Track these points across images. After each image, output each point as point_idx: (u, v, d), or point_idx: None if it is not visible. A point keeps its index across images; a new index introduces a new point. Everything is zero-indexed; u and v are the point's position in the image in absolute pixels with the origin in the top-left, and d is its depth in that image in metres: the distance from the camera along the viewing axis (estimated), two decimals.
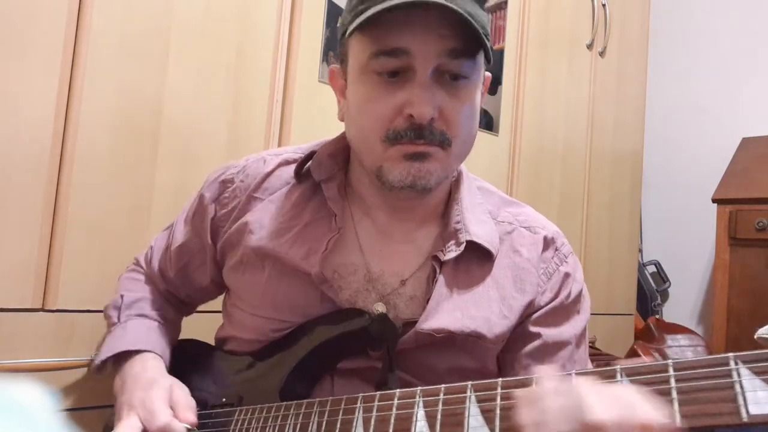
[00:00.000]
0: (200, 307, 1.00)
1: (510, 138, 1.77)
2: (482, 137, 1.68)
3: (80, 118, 0.98)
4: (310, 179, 0.81)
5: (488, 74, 0.80)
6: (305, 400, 0.69)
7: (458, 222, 0.77)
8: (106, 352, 0.83)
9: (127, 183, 1.04)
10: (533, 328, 0.78)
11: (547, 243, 0.82)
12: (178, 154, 1.10)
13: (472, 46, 0.69)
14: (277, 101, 1.24)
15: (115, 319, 0.88)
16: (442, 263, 0.75)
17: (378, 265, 0.78)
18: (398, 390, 0.61)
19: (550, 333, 0.78)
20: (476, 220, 0.79)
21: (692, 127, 2.57)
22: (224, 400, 0.80)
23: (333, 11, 1.30)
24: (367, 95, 0.71)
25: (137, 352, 0.82)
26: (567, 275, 0.81)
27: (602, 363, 1.62)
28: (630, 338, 2.21)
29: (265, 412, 0.73)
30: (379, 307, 0.74)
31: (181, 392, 0.77)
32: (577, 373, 0.51)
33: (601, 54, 2.07)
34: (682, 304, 2.55)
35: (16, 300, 0.93)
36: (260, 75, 1.21)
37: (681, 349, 2.11)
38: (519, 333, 0.78)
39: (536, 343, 0.77)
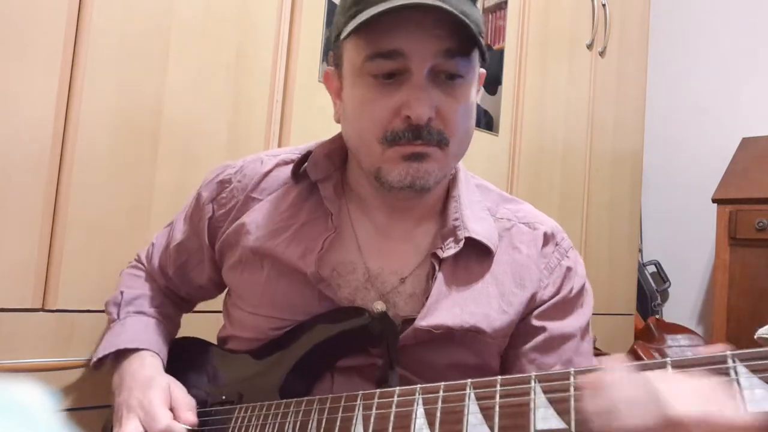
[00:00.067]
0: (200, 307, 1.01)
1: (510, 138, 1.77)
2: (482, 137, 1.68)
3: (80, 118, 0.98)
4: (307, 179, 0.81)
5: (483, 70, 0.80)
6: (305, 398, 0.69)
7: (457, 219, 0.78)
8: (104, 349, 0.84)
9: (127, 183, 1.04)
10: (537, 322, 0.78)
11: (547, 238, 0.82)
12: (178, 154, 1.10)
13: (466, 45, 0.69)
14: (277, 101, 1.24)
15: (115, 316, 0.89)
16: (441, 260, 0.75)
17: (377, 263, 0.78)
18: (398, 387, 0.61)
19: (554, 326, 0.78)
20: (475, 217, 0.79)
21: (692, 127, 2.57)
22: (224, 398, 0.80)
23: (333, 11, 1.30)
24: (363, 97, 0.71)
25: (135, 350, 0.83)
26: (569, 269, 0.81)
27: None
28: (630, 338, 2.21)
29: (264, 409, 0.73)
30: (379, 306, 0.74)
31: (180, 391, 0.77)
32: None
33: (601, 54, 2.07)
34: (682, 304, 2.55)
35: (16, 300, 0.93)
36: (260, 75, 1.21)
37: (681, 349, 2.11)
38: (523, 328, 0.78)
39: (542, 337, 0.78)
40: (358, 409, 0.62)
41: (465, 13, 0.67)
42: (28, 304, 0.94)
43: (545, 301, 0.79)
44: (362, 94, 0.71)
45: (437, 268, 0.75)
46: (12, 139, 0.92)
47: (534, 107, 1.83)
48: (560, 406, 0.50)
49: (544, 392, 0.51)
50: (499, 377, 0.54)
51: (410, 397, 0.59)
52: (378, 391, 0.62)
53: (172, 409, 0.75)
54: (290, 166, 0.83)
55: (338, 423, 0.63)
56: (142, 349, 0.83)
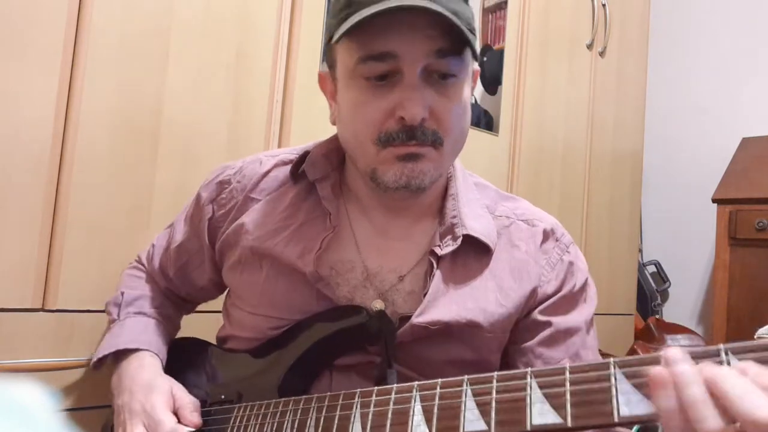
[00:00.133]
0: (200, 307, 1.01)
1: (510, 138, 1.77)
2: (482, 137, 1.68)
3: (80, 118, 0.98)
4: (305, 179, 0.81)
5: (477, 68, 0.80)
6: (303, 397, 0.70)
7: (455, 217, 0.78)
8: (104, 349, 0.84)
9: (127, 183, 1.04)
10: (542, 317, 0.78)
11: (547, 234, 0.82)
12: (178, 154, 1.10)
13: (458, 45, 0.69)
14: (277, 101, 1.24)
15: (115, 316, 0.89)
16: (439, 258, 0.76)
17: (375, 261, 0.78)
18: (395, 385, 0.61)
19: (560, 320, 0.78)
20: (473, 215, 0.79)
21: (692, 127, 2.57)
22: (223, 397, 0.80)
23: None
24: (356, 100, 0.71)
25: (134, 350, 0.83)
26: (571, 264, 0.81)
27: None
28: (630, 338, 2.21)
29: (263, 408, 0.73)
30: (378, 304, 0.75)
31: (183, 393, 0.78)
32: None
33: (601, 54, 2.08)
34: (682, 304, 2.55)
35: (16, 300, 0.93)
36: (260, 75, 1.21)
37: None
38: (528, 324, 0.79)
39: (548, 331, 0.78)
40: (356, 407, 0.63)
41: (455, 12, 0.67)
42: (28, 304, 0.94)
43: (549, 296, 0.79)
44: (355, 96, 0.71)
45: (435, 265, 0.75)
46: (12, 139, 0.92)
47: (534, 107, 1.83)
48: (556, 401, 0.50)
49: (540, 387, 0.51)
50: (496, 373, 0.55)
51: (407, 394, 0.59)
52: (375, 388, 0.63)
53: (175, 411, 0.75)
54: (289, 167, 0.83)
55: (336, 421, 0.64)
56: (142, 350, 0.83)
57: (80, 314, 0.99)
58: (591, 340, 0.81)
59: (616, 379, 0.48)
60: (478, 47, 0.73)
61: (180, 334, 0.96)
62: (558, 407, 0.50)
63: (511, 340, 0.80)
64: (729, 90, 2.51)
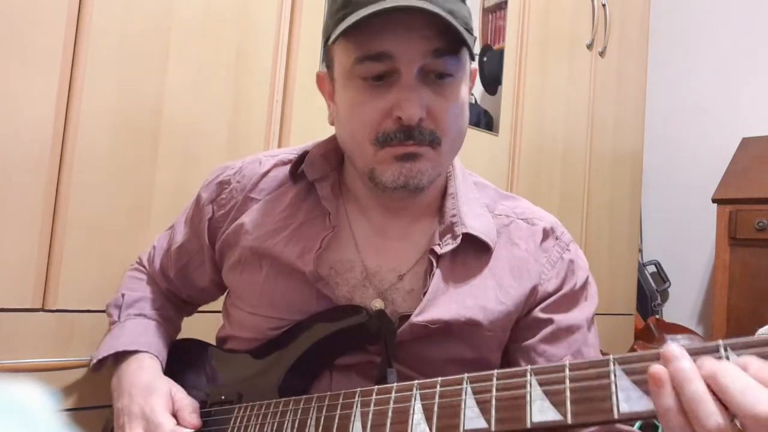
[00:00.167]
0: (201, 307, 1.01)
1: (510, 138, 1.77)
2: (482, 137, 1.68)
3: (80, 118, 0.98)
4: (304, 179, 0.81)
5: (474, 67, 0.80)
6: (303, 396, 0.70)
7: (454, 216, 0.78)
8: (104, 351, 0.84)
9: (127, 183, 1.04)
10: (544, 315, 0.78)
11: (546, 233, 0.82)
12: (178, 154, 1.10)
13: (454, 44, 0.69)
14: (277, 101, 1.24)
15: (115, 318, 0.89)
16: (438, 257, 0.76)
17: (375, 261, 0.78)
18: (395, 384, 0.61)
19: (561, 318, 0.78)
20: (473, 214, 0.79)
21: (692, 127, 2.57)
22: (223, 398, 0.80)
23: None
24: (354, 100, 0.71)
25: (134, 352, 0.83)
26: (571, 262, 0.81)
27: None
28: (630, 338, 2.21)
29: (264, 408, 0.73)
30: (377, 304, 0.75)
31: (182, 394, 0.78)
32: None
33: (601, 54, 2.07)
34: (682, 304, 2.55)
35: (16, 300, 0.93)
36: (260, 75, 1.21)
37: None
38: (529, 322, 0.79)
39: (549, 328, 0.78)
40: (356, 406, 0.63)
41: (452, 12, 0.67)
42: (28, 304, 0.94)
43: (550, 294, 0.79)
44: (353, 96, 0.71)
45: (435, 264, 0.76)
46: (12, 139, 0.92)
47: (534, 107, 1.83)
48: (556, 398, 0.50)
49: (540, 385, 0.51)
50: (496, 371, 0.55)
51: (407, 393, 0.59)
52: (376, 387, 0.63)
53: (175, 413, 0.75)
54: (288, 167, 0.83)
55: (336, 420, 0.64)
56: (141, 352, 0.83)
57: (80, 314, 0.99)
58: (592, 338, 0.81)
59: (615, 375, 0.48)
60: (478, 46, 0.74)
61: (180, 335, 0.96)
62: (558, 404, 0.50)
63: (512, 339, 0.80)
64: (729, 90, 2.51)
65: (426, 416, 0.56)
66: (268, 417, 0.72)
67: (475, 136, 1.64)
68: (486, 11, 1.69)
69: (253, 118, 1.20)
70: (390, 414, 0.59)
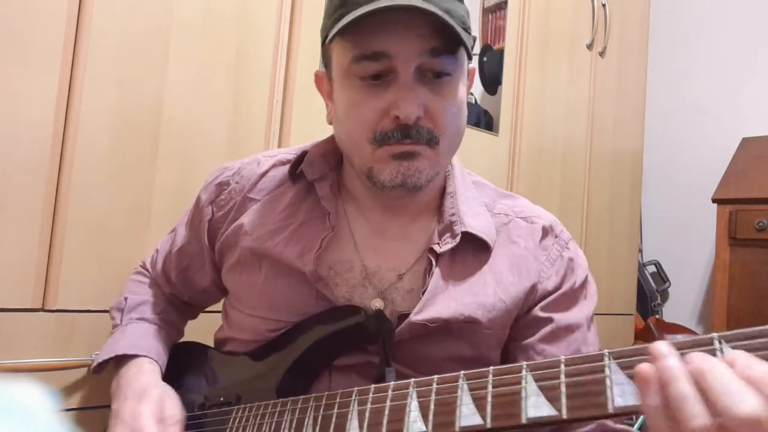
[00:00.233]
0: None
1: (510, 138, 1.77)
2: (482, 137, 1.68)
3: (80, 118, 0.98)
4: (303, 179, 0.81)
5: (472, 66, 0.80)
6: (301, 396, 0.70)
7: (453, 214, 0.78)
8: (104, 354, 0.84)
9: (127, 183, 1.04)
10: (543, 314, 0.78)
11: (546, 231, 0.82)
12: (178, 154, 1.10)
13: (451, 43, 0.69)
14: (277, 101, 1.24)
15: (118, 321, 0.89)
16: (438, 256, 0.76)
17: (374, 260, 0.78)
18: (392, 382, 0.61)
19: (561, 317, 0.78)
20: (472, 213, 0.79)
21: (692, 127, 2.58)
22: (222, 399, 0.80)
23: None
24: (351, 99, 0.71)
25: (134, 356, 0.83)
26: (571, 260, 0.81)
27: None
28: (630, 338, 2.21)
29: (261, 409, 0.73)
30: (377, 303, 0.75)
31: (171, 404, 0.76)
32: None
33: (601, 54, 2.07)
34: (682, 304, 2.55)
35: (16, 300, 0.93)
36: (260, 75, 1.21)
37: None
38: (529, 321, 0.79)
39: (549, 327, 0.78)
40: (353, 405, 0.63)
41: (448, 11, 0.67)
42: (28, 304, 0.94)
43: (549, 293, 0.79)
44: (350, 96, 0.71)
45: (434, 263, 0.76)
46: (12, 139, 0.92)
47: (534, 107, 1.83)
48: (551, 394, 0.50)
49: (536, 380, 0.52)
50: (492, 368, 0.55)
51: (404, 391, 0.59)
52: (373, 386, 0.63)
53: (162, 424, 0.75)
54: (287, 167, 0.83)
55: (334, 419, 0.64)
56: (141, 356, 0.83)
57: (80, 314, 0.99)
58: (592, 337, 0.81)
59: (610, 370, 0.48)
60: (477, 46, 0.74)
61: (182, 338, 0.96)
62: (553, 399, 0.50)
63: (512, 337, 0.80)
64: (729, 90, 2.51)
65: (422, 414, 0.57)
66: (266, 417, 0.72)
67: (475, 136, 1.64)
68: (486, 11, 1.69)
69: (253, 118, 1.20)
70: (386, 412, 0.59)
